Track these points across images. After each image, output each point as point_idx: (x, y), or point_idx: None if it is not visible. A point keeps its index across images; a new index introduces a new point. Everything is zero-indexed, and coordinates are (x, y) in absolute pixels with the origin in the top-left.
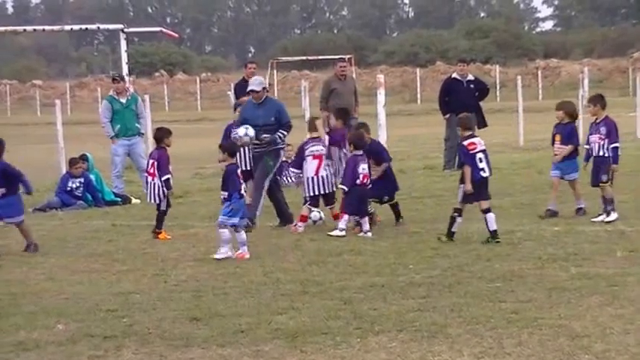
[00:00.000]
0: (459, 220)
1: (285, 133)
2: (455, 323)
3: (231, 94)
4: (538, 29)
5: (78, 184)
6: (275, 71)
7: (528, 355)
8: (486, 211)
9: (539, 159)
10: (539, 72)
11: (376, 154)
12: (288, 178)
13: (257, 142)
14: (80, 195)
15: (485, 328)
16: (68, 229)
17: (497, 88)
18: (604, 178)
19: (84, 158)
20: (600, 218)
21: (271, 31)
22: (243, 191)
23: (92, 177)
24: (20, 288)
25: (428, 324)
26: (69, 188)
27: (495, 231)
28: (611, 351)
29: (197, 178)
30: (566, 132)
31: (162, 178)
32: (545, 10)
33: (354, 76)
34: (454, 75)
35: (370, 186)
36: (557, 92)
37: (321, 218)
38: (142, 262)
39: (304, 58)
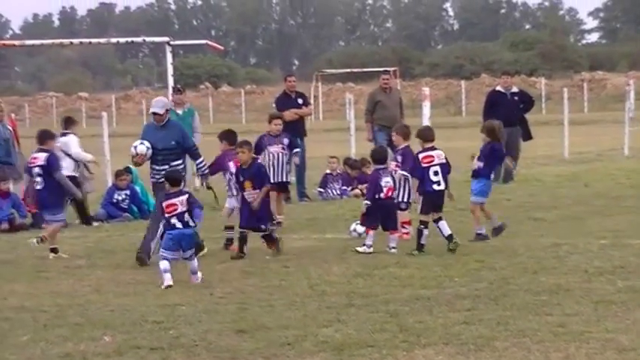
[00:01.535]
0: (425, 232)
1: (201, 159)
2: (501, 336)
3: (274, 107)
4: (584, 41)
5: (124, 197)
6: (319, 83)
7: None
8: (437, 220)
9: (586, 171)
10: (585, 84)
11: (258, 176)
12: (334, 191)
13: (158, 168)
14: (126, 207)
15: (532, 341)
16: (114, 241)
17: (543, 100)
18: None
19: (128, 170)
20: None
21: (315, 43)
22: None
23: (137, 189)
24: (67, 300)
25: (474, 337)
26: (115, 200)
27: (451, 235)
28: None
29: None
30: (485, 152)
31: None
32: (591, 22)
33: (398, 88)
34: (498, 87)
35: (394, 200)
36: (603, 104)
37: (357, 231)
38: (187, 274)
39: (349, 70)
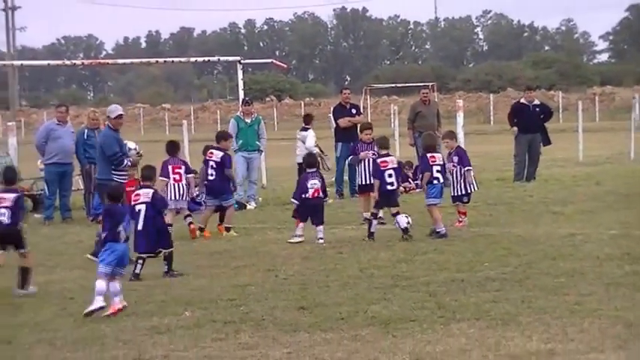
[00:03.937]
0: (374, 222)
1: None
2: (525, 313)
3: (331, 116)
4: (595, 60)
5: (199, 193)
6: (368, 96)
7: (589, 341)
8: (396, 214)
9: (597, 172)
10: (597, 97)
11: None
12: None
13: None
14: (202, 202)
15: (551, 317)
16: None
17: (560, 111)
18: None
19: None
20: None
21: (365, 62)
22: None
23: None
24: (152, 281)
25: (502, 313)
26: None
27: (406, 229)
28: None
29: None
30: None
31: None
32: (602, 44)
33: (436, 100)
34: (522, 100)
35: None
36: (612, 115)
37: (408, 222)
38: (256, 258)
39: (393, 85)
